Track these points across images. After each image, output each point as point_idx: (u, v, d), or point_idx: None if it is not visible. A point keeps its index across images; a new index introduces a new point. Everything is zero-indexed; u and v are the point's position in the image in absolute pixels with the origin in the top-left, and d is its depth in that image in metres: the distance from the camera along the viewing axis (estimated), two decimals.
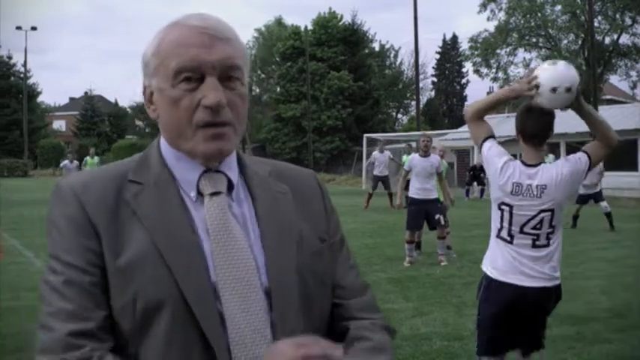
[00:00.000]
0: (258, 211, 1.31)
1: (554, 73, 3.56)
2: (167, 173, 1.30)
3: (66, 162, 21.42)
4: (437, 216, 10.00)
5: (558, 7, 47.39)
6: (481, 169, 25.66)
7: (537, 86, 3.54)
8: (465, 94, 77.79)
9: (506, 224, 3.65)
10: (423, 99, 67.93)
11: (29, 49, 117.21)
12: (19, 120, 59.95)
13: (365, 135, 34.57)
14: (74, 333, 1.15)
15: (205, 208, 1.27)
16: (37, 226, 15.46)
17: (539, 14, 47.92)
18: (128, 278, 1.18)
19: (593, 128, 3.81)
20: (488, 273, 3.73)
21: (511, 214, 3.62)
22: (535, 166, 3.67)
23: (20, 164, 52.78)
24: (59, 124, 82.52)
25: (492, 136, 3.91)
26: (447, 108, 75.89)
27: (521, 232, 3.60)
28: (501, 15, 49.17)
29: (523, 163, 3.70)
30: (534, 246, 3.59)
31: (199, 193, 1.29)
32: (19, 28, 57.88)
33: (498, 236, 3.70)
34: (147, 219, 1.22)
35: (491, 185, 3.81)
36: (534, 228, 3.59)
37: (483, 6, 49.33)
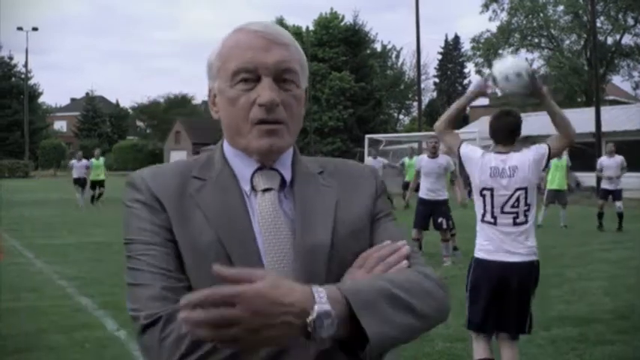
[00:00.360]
0: (298, 203, 1.39)
1: (503, 63, 4.12)
2: (228, 170, 1.40)
3: (74, 161, 21.82)
4: (439, 219, 10.06)
5: (561, 8, 47.40)
6: None
7: (494, 79, 4.04)
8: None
9: (488, 207, 4.19)
10: (425, 99, 67.98)
11: (30, 50, 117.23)
12: (20, 121, 60.02)
13: (366, 136, 34.52)
14: (167, 288, 1.26)
15: (257, 202, 1.37)
16: (37, 227, 15.48)
17: (541, 14, 47.90)
18: (196, 266, 1.28)
19: (554, 121, 4.24)
20: (476, 255, 4.27)
21: (492, 196, 4.17)
22: (505, 153, 4.26)
23: (21, 165, 52.81)
24: (60, 125, 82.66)
25: (465, 141, 4.51)
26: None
27: (502, 212, 4.15)
28: (503, 15, 49.23)
29: (496, 152, 4.32)
30: (515, 224, 4.13)
31: (253, 189, 1.39)
32: (20, 28, 57.94)
33: (483, 221, 4.24)
34: (209, 211, 1.33)
35: (472, 178, 4.29)
36: (513, 206, 4.13)
37: (485, 6, 49.34)
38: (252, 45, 1.35)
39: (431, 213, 10.08)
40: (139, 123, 78.24)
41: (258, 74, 1.34)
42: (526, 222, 4.14)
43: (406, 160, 22.52)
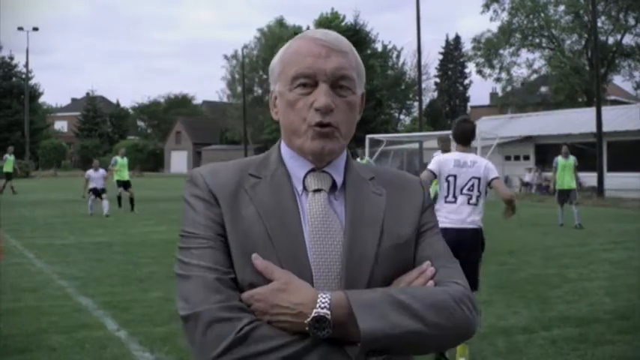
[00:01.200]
0: (348, 207, 1.44)
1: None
2: (283, 169, 1.47)
3: (90, 171, 19.30)
4: None
5: (561, 8, 47.38)
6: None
7: None
8: (467, 94, 77.84)
9: (451, 190, 5.54)
10: (426, 99, 68.00)
11: (31, 50, 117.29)
12: (20, 121, 60.03)
13: (367, 136, 34.50)
14: (212, 281, 1.31)
15: (308, 202, 1.43)
16: (38, 227, 15.48)
17: (542, 14, 47.87)
18: (246, 260, 1.34)
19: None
20: (440, 224, 4.66)
21: (455, 180, 5.52)
22: (465, 151, 5.68)
23: (22, 165, 52.68)
24: (61, 125, 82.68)
25: (429, 170, 5.68)
26: (449, 109, 75.90)
27: (461, 193, 5.50)
28: (504, 15, 49.22)
29: (458, 151, 5.74)
30: (469, 203, 5.50)
31: (305, 189, 1.45)
32: (20, 28, 57.93)
33: (445, 201, 5.54)
34: (261, 207, 1.40)
35: (442, 172, 5.57)
36: (469, 190, 5.50)
37: (486, 6, 49.31)
38: (312, 52, 1.42)
39: None
40: (140, 123, 78.35)
41: (316, 80, 1.41)
42: (477, 204, 5.52)
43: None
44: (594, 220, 15.75)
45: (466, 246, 5.25)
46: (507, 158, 36.53)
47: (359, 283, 1.35)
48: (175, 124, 69.98)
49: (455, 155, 5.67)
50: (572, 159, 16.22)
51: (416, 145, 37.71)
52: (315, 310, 1.23)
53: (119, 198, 19.99)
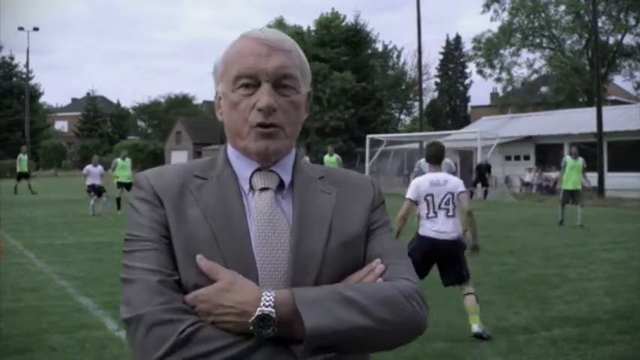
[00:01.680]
0: (296, 206, 1.43)
1: None
2: (229, 170, 1.46)
3: (89, 166, 19.48)
4: None
5: (562, 8, 47.38)
6: (487, 168, 25.66)
7: None
8: (468, 94, 77.80)
9: (431, 207, 6.30)
10: (426, 99, 68.00)
11: (31, 50, 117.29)
12: (21, 121, 60.01)
13: (368, 136, 34.56)
14: (156, 283, 1.29)
15: (254, 201, 1.42)
16: (38, 227, 15.48)
17: (542, 14, 47.88)
18: (190, 261, 1.32)
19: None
20: (420, 232, 6.39)
21: (433, 199, 6.28)
22: (437, 170, 6.53)
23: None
24: (61, 125, 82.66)
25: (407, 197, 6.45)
26: (450, 109, 75.90)
27: (439, 208, 6.28)
28: (505, 15, 49.23)
29: (431, 172, 6.62)
30: (447, 216, 6.28)
31: (252, 188, 1.44)
32: (21, 28, 57.89)
33: (427, 218, 6.32)
34: (206, 208, 1.38)
35: (419, 194, 6.32)
36: (446, 204, 6.28)
37: (487, 6, 49.33)
38: (254, 51, 1.41)
39: None
40: (140, 123, 78.27)
41: (258, 80, 1.40)
42: (454, 216, 6.30)
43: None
44: (594, 220, 15.76)
45: (448, 252, 6.31)
46: (508, 158, 36.52)
47: (306, 282, 1.33)
48: (176, 124, 69.91)
49: (429, 177, 6.48)
50: (580, 160, 16.25)
51: (416, 145, 37.69)
52: (259, 309, 1.22)
53: (118, 200, 19.30)
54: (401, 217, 6.34)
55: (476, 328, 6.08)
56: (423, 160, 10.74)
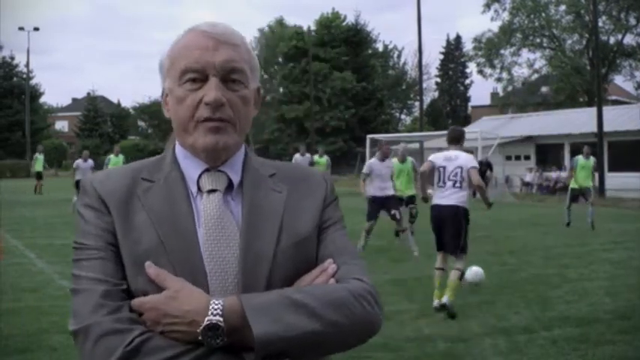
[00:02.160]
0: (245, 207, 1.40)
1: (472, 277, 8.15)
2: (177, 171, 1.41)
3: (79, 161, 19.76)
4: (392, 211, 11.24)
5: (562, 7, 47.35)
6: (487, 165, 25.64)
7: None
8: (468, 94, 77.76)
9: (442, 177, 7.36)
10: (427, 99, 67.94)
11: (32, 50, 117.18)
12: (21, 121, 60.01)
13: (368, 136, 34.51)
14: (104, 293, 1.26)
15: (202, 203, 1.37)
16: (39, 227, 15.49)
17: (543, 14, 47.85)
18: (138, 268, 1.29)
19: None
20: (433, 202, 7.47)
21: (444, 170, 7.35)
22: (453, 149, 7.52)
23: (23, 165, 52.72)
24: (62, 125, 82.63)
25: (430, 160, 7.65)
26: (450, 109, 75.84)
27: (448, 179, 7.30)
28: (505, 15, 49.18)
29: (448, 150, 7.57)
30: (454, 186, 7.27)
31: (200, 190, 1.39)
32: (21, 28, 58.02)
33: (438, 186, 7.40)
34: (153, 212, 1.34)
35: (434, 165, 7.44)
36: (454, 176, 7.28)
37: (487, 6, 49.29)
38: (201, 45, 1.37)
39: (382, 207, 11.28)
40: (141, 123, 78.22)
41: (205, 74, 1.36)
42: (461, 188, 7.26)
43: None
44: (595, 220, 15.73)
45: (450, 217, 7.24)
46: (508, 158, 36.49)
47: (257, 285, 1.31)
48: None
49: (444, 153, 7.57)
50: (592, 160, 16.26)
51: (417, 145, 37.70)
52: (207, 318, 1.19)
53: None
54: (422, 173, 7.79)
55: (445, 299, 6.93)
56: (373, 160, 11.62)
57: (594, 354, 5.58)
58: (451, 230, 7.17)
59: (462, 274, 7.23)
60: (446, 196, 7.25)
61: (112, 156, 20.43)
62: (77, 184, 19.14)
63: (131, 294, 1.28)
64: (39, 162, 28.42)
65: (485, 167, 24.85)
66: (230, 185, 1.41)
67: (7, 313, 6.82)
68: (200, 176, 1.40)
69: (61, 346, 5.63)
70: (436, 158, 7.52)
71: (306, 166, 1.64)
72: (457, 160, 7.31)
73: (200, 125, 1.36)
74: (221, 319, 1.20)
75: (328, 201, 1.50)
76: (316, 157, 22.81)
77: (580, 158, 16.18)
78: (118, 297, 1.27)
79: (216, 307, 1.21)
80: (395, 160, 12.31)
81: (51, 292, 7.88)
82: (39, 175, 28.30)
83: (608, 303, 7.50)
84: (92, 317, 1.23)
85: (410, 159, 12.79)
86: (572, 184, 16.13)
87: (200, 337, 1.19)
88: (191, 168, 1.41)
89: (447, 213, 7.19)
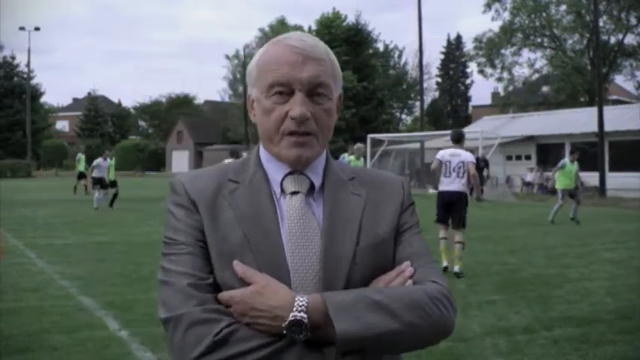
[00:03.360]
0: (326, 208, 1.46)
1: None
2: (262, 172, 1.49)
3: (99, 159, 20.72)
4: None
5: (563, 7, 47.35)
6: (484, 161, 25.70)
7: None
8: (469, 94, 77.77)
9: (448, 170, 9.41)
10: (427, 99, 68.01)
11: (32, 50, 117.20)
12: (22, 120, 60.08)
13: (369, 136, 34.53)
14: (191, 285, 1.34)
15: (285, 204, 1.45)
16: (39, 226, 15.49)
17: (543, 14, 47.85)
18: (224, 263, 1.37)
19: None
20: (439, 189, 9.67)
21: (450, 164, 9.42)
22: (456, 147, 9.70)
23: (23, 165, 52.79)
24: (62, 125, 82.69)
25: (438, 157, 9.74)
26: (451, 108, 75.87)
27: (453, 170, 9.40)
28: (506, 15, 49.20)
29: (452, 148, 9.78)
30: (458, 176, 9.38)
31: (283, 192, 1.47)
32: (22, 28, 58.02)
33: (445, 176, 9.45)
34: (239, 211, 1.42)
35: (442, 160, 9.49)
36: (458, 168, 9.38)
37: (488, 6, 49.30)
38: (289, 60, 1.42)
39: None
40: (141, 123, 78.30)
41: (292, 88, 1.42)
42: (462, 177, 9.39)
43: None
44: (595, 219, 15.76)
45: (455, 201, 9.45)
46: (509, 158, 36.50)
47: (336, 284, 1.37)
48: (177, 124, 69.93)
49: (450, 150, 9.69)
50: (576, 165, 17.04)
51: (417, 145, 37.71)
52: (292, 314, 1.26)
53: (112, 200, 20.51)
54: (434, 169, 9.62)
55: (456, 268, 9.08)
56: (346, 155, 13.36)
57: (595, 354, 5.57)
58: (457, 208, 9.43)
59: (463, 245, 9.38)
60: (451, 183, 9.41)
61: (99, 159, 20.89)
62: (96, 180, 20.13)
63: (217, 287, 1.35)
64: (82, 162, 28.28)
65: (482, 164, 24.93)
66: (312, 188, 1.48)
67: (8, 313, 6.81)
68: (283, 178, 1.47)
69: (62, 346, 5.63)
70: (443, 155, 9.56)
71: (385, 171, 1.72)
72: (460, 156, 9.47)
73: (285, 138, 1.43)
74: (305, 315, 1.26)
75: (405, 205, 1.57)
76: None
77: (567, 162, 16.77)
78: (205, 289, 1.34)
79: (300, 303, 1.27)
80: (352, 158, 13.80)
81: (51, 292, 7.88)
82: (81, 175, 27.93)
83: (610, 303, 7.49)
84: (183, 307, 1.30)
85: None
86: (565, 186, 16.66)
87: (284, 332, 1.26)
88: (275, 170, 1.49)
89: (453, 198, 9.42)
